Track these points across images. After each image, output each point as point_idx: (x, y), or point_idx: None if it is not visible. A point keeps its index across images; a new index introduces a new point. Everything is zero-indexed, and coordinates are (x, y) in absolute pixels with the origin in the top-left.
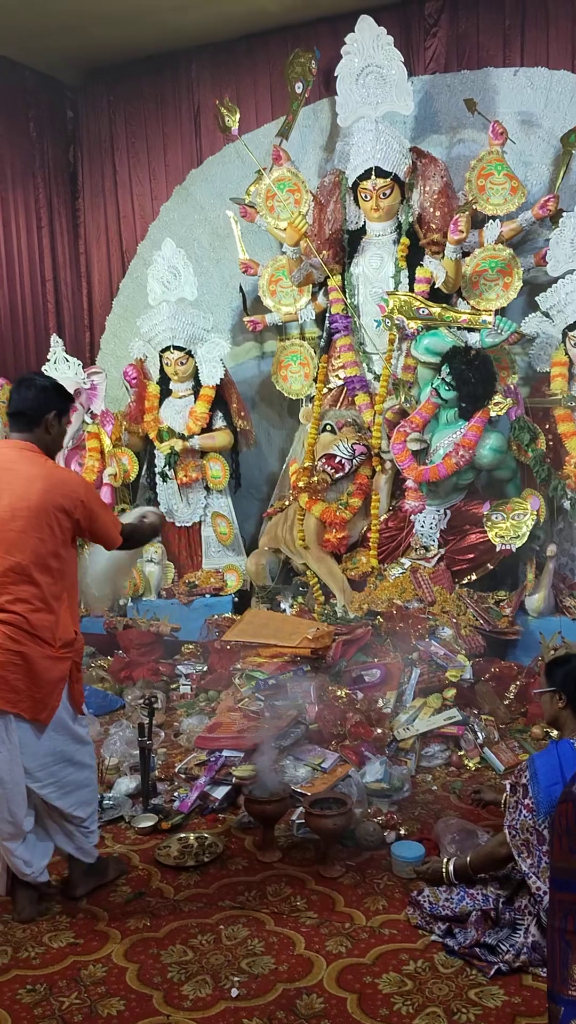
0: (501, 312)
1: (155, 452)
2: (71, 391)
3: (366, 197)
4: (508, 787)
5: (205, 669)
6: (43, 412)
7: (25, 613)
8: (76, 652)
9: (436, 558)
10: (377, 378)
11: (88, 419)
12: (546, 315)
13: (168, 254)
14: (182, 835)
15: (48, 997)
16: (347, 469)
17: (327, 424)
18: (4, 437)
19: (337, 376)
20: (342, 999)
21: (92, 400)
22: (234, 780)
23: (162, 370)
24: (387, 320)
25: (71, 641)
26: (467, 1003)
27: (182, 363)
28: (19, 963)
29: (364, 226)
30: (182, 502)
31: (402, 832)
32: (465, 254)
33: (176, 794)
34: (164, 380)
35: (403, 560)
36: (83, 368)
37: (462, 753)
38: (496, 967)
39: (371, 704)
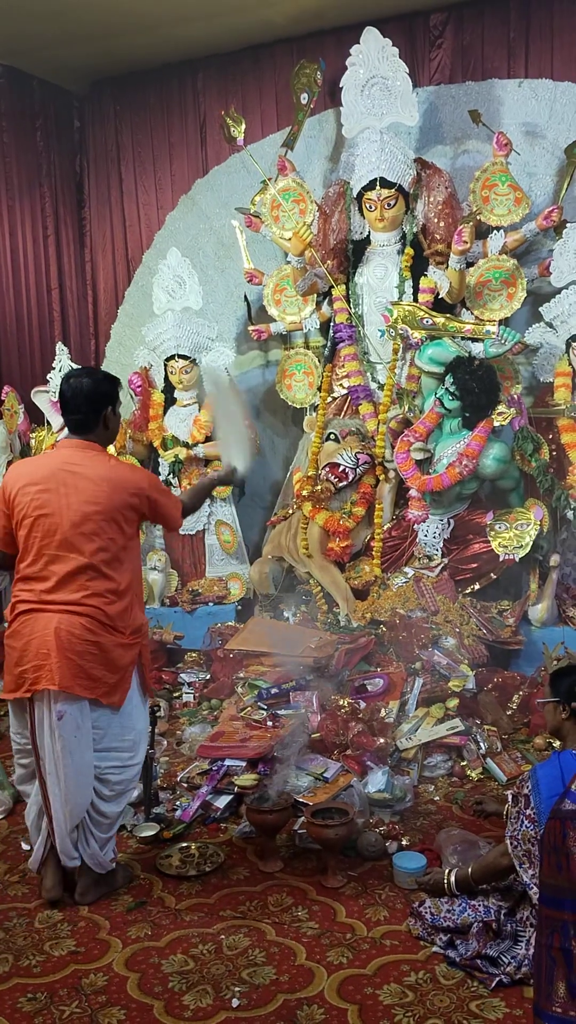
0: (505, 322)
1: (159, 460)
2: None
3: (370, 207)
4: (510, 797)
5: (208, 677)
6: (100, 410)
7: (101, 606)
8: (144, 636)
9: (439, 568)
10: (381, 388)
11: None
12: (550, 325)
13: (173, 263)
14: (184, 844)
15: (49, 1006)
16: (351, 478)
17: (331, 433)
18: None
19: (341, 385)
20: (343, 1010)
21: None
22: (236, 789)
23: (167, 378)
24: (391, 330)
25: (140, 627)
26: (468, 1015)
27: (187, 371)
28: (20, 971)
29: (368, 236)
30: None
31: (404, 843)
32: (469, 264)
33: (178, 803)
34: (169, 388)
35: (406, 569)
36: None
37: (464, 763)
38: (497, 979)
39: (373, 714)
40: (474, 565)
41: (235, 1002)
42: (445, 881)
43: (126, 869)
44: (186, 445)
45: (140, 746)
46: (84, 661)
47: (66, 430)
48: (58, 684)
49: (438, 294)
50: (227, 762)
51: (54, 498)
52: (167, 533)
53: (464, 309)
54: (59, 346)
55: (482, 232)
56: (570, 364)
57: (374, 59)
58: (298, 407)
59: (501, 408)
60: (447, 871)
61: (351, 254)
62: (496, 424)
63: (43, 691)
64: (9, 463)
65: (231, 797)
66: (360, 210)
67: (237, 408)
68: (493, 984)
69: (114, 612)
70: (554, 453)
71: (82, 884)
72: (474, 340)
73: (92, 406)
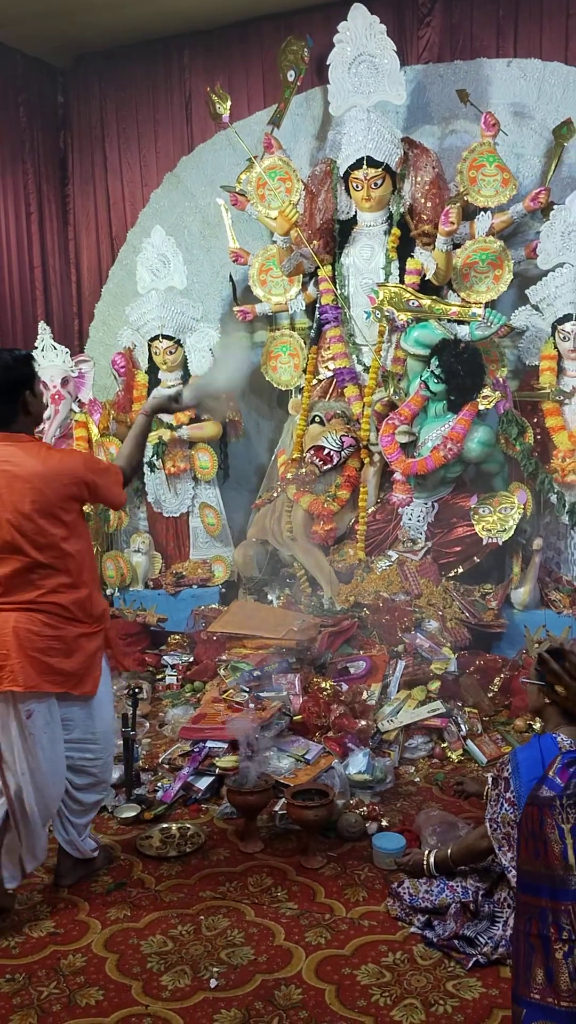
0: (491, 305)
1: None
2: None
3: (357, 187)
4: (490, 780)
5: (191, 660)
6: (17, 398)
7: (58, 600)
8: (106, 620)
9: (423, 551)
10: (366, 370)
11: (76, 408)
12: (536, 308)
13: (158, 242)
14: (164, 825)
15: (27, 987)
16: (335, 461)
17: (316, 415)
18: None
19: (326, 367)
20: (321, 990)
21: (80, 388)
22: (217, 771)
23: (151, 359)
24: (377, 312)
25: (101, 613)
26: (445, 995)
27: (171, 352)
28: None
29: (355, 216)
30: (170, 492)
31: (384, 823)
32: (456, 246)
33: (159, 784)
34: (153, 369)
35: (390, 552)
36: (71, 356)
37: (445, 745)
38: (474, 959)
39: (355, 696)
40: (458, 548)
41: (213, 982)
42: (424, 862)
43: (107, 851)
44: (170, 427)
45: (111, 733)
46: (48, 657)
47: None
48: (23, 685)
49: (424, 275)
50: (208, 743)
51: None
52: (150, 518)
53: (451, 291)
54: (41, 325)
55: (469, 213)
56: (555, 347)
57: (362, 37)
58: (283, 389)
59: (486, 391)
60: (426, 852)
61: (337, 234)
62: (481, 407)
63: (6, 692)
64: None
65: (212, 778)
66: (347, 190)
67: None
68: (470, 964)
69: (72, 603)
70: (538, 437)
71: (61, 866)
72: (460, 323)
73: (7, 395)
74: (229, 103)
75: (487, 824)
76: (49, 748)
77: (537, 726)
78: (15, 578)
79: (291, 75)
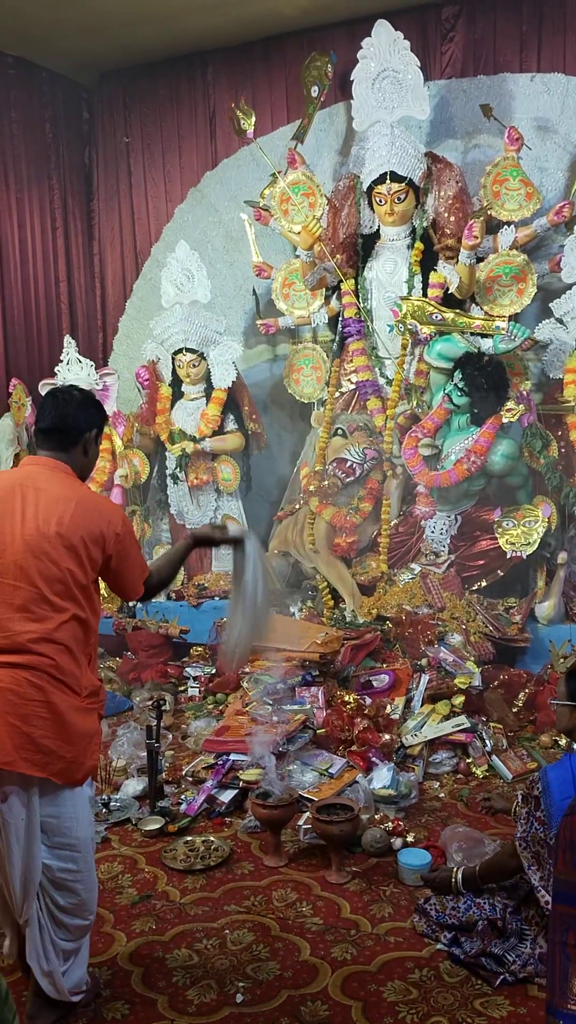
0: (515, 318)
1: (166, 454)
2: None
3: (380, 201)
4: (520, 798)
5: (213, 672)
6: (84, 431)
7: (52, 654)
8: (100, 704)
9: (446, 564)
10: (389, 383)
11: None
12: (560, 321)
13: (182, 256)
14: (188, 838)
15: None
16: (358, 473)
17: (338, 428)
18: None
19: (349, 380)
20: (347, 1006)
21: (104, 401)
22: (241, 784)
23: (174, 372)
24: (400, 325)
25: (96, 690)
26: (472, 1013)
27: (194, 365)
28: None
29: (378, 230)
30: (193, 504)
31: (409, 839)
32: (479, 259)
33: (183, 797)
34: (176, 382)
35: (413, 565)
36: (95, 369)
37: (470, 760)
38: (502, 977)
39: (379, 710)
40: (481, 562)
41: (239, 997)
42: (452, 879)
43: (96, 985)
44: (193, 439)
45: (92, 844)
46: (32, 727)
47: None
48: None
49: (448, 289)
50: (232, 756)
51: (6, 517)
52: (173, 530)
53: (474, 304)
54: (67, 339)
55: (492, 227)
56: None
57: (385, 52)
58: (306, 402)
59: (510, 404)
60: (454, 869)
61: (360, 248)
62: (505, 421)
63: None
64: (16, 456)
65: (236, 791)
66: (370, 204)
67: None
68: (497, 982)
69: (65, 664)
70: (563, 450)
71: (32, 1006)
72: (483, 336)
73: (76, 422)
74: (253, 119)
75: (517, 843)
76: (26, 844)
77: (563, 742)
78: (13, 612)
79: (315, 90)
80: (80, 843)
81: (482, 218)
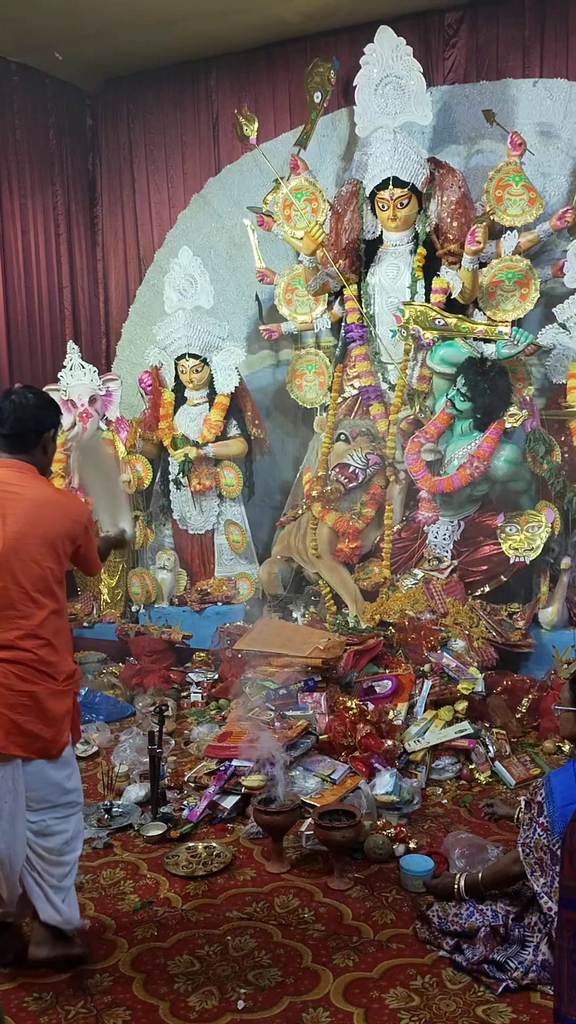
0: (518, 323)
1: (169, 459)
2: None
3: (383, 207)
4: (523, 804)
5: (216, 677)
6: (43, 431)
7: (35, 649)
8: (75, 683)
9: (449, 569)
10: (392, 388)
11: (103, 425)
12: (563, 327)
13: (185, 262)
14: (190, 844)
15: (55, 1006)
16: (360, 479)
17: (341, 433)
18: None
19: (352, 386)
20: (349, 1013)
21: (107, 407)
22: (243, 790)
23: (177, 377)
24: (403, 330)
25: (72, 673)
26: (474, 1020)
27: (197, 371)
28: (26, 971)
29: (381, 236)
30: (195, 509)
31: (411, 845)
32: (482, 265)
33: (185, 803)
34: (179, 388)
35: (416, 571)
36: (99, 375)
37: (473, 766)
38: (504, 984)
39: (382, 715)
40: (484, 567)
41: (240, 1004)
42: (455, 885)
43: (85, 945)
44: (196, 444)
45: (78, 795)
46: (17, 715)
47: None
48: None
49: (450, 294)
50: (234, 762)
51: None
52: (176, 535)
53: (476, 310)
54: (70, 344)
55: (495, 232)
56: None
57: (388, 58)
58: (308, 407)
59: (513, 409)
60: (457, 875)
61: (363, 254)
62: (508, 426)
63: None
64: None
65: (238, 797)
66: (373, 209)
67: (108, 467)
68: (500, 989)
69: (47, 656)
70: (566, 455)
71: (35, 934)
72: (486, 341)
73: (36, 424)
74: (256, 125)
75: (520, 849)
76: (9, 818)
77: (567, 748)
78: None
79: (317, 96)
80: (64, 800)
81: (485, 223)
